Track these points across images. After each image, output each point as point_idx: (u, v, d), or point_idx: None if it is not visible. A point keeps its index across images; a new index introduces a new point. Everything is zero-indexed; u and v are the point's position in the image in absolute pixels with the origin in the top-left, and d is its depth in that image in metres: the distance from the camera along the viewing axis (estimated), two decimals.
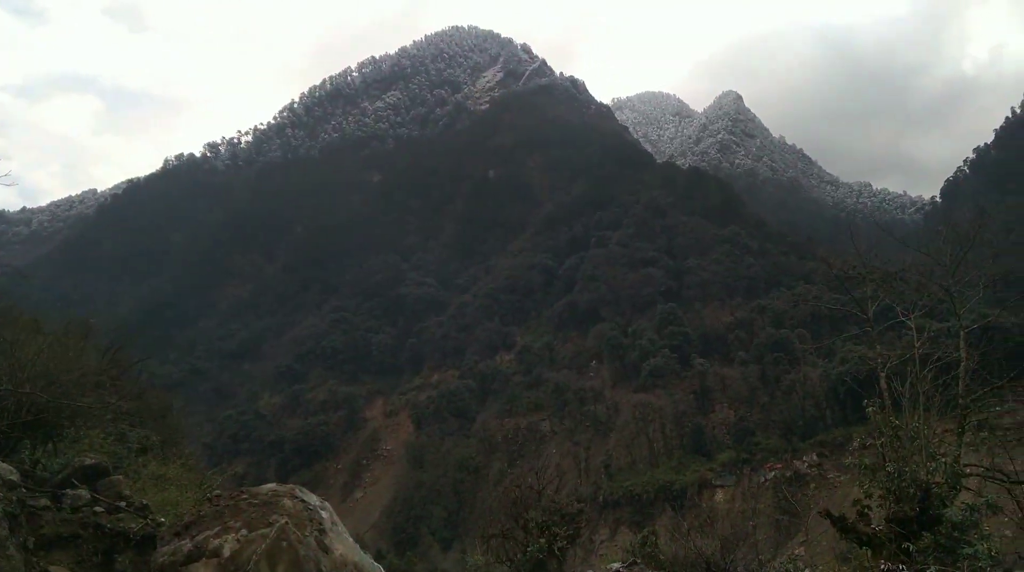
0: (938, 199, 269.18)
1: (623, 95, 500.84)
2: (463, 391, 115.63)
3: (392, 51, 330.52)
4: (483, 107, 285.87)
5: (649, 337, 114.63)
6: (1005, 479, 14.22)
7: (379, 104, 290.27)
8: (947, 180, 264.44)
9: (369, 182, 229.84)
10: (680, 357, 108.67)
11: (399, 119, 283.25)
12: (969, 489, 14.44)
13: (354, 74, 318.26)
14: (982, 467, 14.65)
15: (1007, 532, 15.37)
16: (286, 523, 5.91)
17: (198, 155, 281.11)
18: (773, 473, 74.49)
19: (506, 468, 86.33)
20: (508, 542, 20.74)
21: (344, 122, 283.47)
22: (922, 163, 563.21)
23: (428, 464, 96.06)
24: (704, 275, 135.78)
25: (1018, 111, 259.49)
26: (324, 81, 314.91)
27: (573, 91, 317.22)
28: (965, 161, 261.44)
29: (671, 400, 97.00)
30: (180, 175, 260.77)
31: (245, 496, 6.32)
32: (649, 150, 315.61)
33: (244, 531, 5.86)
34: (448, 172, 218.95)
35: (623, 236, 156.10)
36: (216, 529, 5.95)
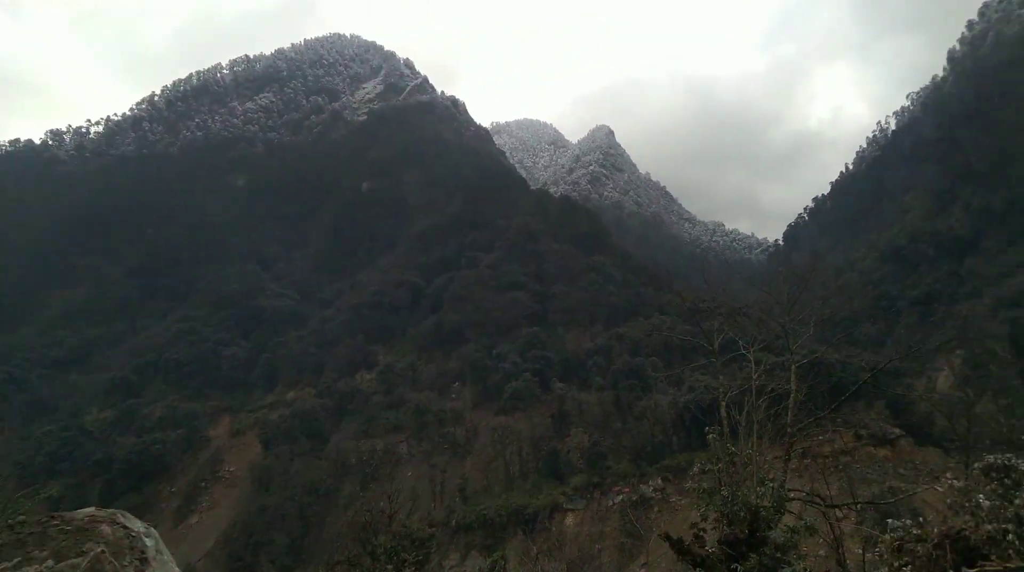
0: (780, 242, 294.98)
1: (502, 120, 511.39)
2: (318, 410, 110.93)
3: (268, 51, 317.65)
4: (361, 118, 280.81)
5: (513, 360, 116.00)
6: (822, 503, 15.43)
7: (250, 105, 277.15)
8: (789, 225, 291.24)
9: (233, 186, 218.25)
10: (541, 381, 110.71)
11: (271, 123, 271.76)
12: (791, 512, 15.51)
13: (224, 71, 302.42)
14: (803, 492, 15.79)
15: (821, 552, 16.64)
16: (102, 552, 5.14)
17: (37, 142, 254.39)
18: (620, 497, 77.08)
19: (358, 491, 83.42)
20: (354, 569, 19.90)
21: (210, 120, 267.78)
22: (769, 208, 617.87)
23: (274, 487, 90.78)
24: (569, 301, 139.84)
25: (851, 167, 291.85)
26: (191, 75, 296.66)
27: (453, 111, 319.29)
28: (805, 209, 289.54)
29: (530, 423, 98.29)
30: (14, 162, 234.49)
31: (56, 522, 5.47)
32: (524, 176, 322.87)
33: (50, 562, 5.04)
34: (319, 181, 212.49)
35: (494, 258, 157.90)
36: (15, 561, 5.09)
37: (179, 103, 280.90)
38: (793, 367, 18.17)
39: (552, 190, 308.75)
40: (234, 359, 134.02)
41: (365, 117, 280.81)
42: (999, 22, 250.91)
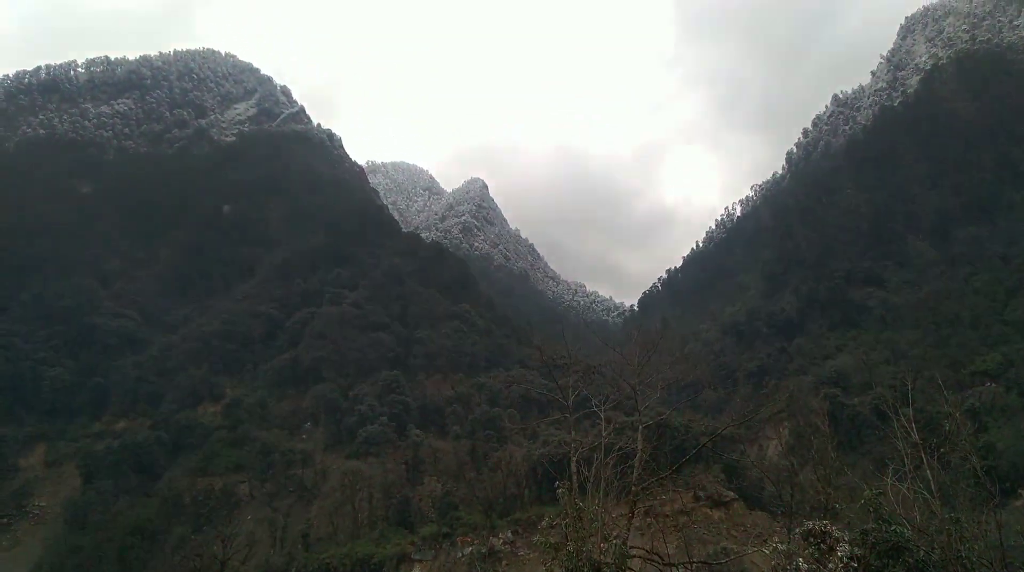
0: (635, 308, 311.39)
1: (379, 160, 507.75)
2: (152, 443, 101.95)
3: (132, 56, 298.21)
4: (229, 139, 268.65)
5: (370, 403, 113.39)
6: (660, 561, 16.38)
7: (105, 109, 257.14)
8: (644, 293, 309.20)
9: (76, 191, 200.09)
10: (398, 426, 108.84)
11: (127, 130, 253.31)
12: (631, 570, 16.33)
13: (80, 70, 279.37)
14: (644, 549, 16.71)
15: None
16: None
17: None
18: (469, 548, 76.51)
19: (189, 534, 76.80)
20: None
21: (57, 119, 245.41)
22: (627, 274, 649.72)
23: (92, 526, 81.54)
24: (432, 347, 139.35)
25: (700, 245, 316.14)
26: (39, 68, 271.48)
27: (329, 145, 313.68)
28: (659, 279, 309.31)
29: (383, 469, 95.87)
30: None
31: None
32: (396, 218, 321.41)
33: None
34: (175, 198, 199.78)
35: (358, 297, 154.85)
36: None
37: (21, 96, 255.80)
38: (640, 428, 19.35)
39: (424, 235, 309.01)
40: (57, 381, 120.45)
41: (233, 138, 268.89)
42: (828, 134, 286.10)
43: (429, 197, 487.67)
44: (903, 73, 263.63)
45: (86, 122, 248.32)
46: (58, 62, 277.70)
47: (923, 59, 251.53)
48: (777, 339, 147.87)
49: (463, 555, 76.18)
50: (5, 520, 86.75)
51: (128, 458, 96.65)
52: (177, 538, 78.70)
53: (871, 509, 15.33)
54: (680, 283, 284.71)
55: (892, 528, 14.46)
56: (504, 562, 73.66)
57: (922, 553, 14.11)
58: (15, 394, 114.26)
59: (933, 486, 15.84)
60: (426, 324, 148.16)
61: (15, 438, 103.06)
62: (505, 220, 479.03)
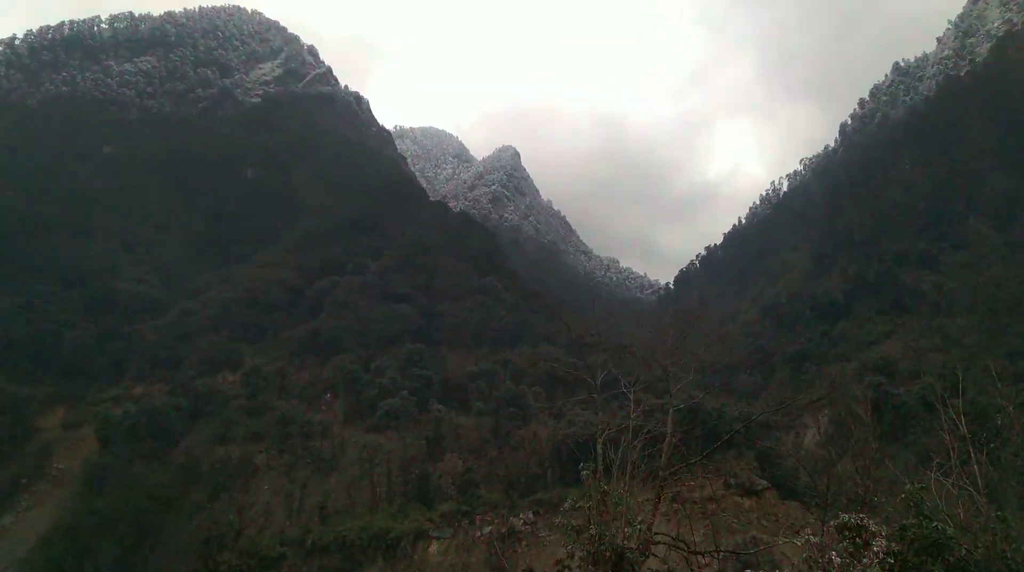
0: (671, 286, 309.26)
1: (406, 125, 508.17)
2: (170, 409, 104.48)
3: (156, 12, 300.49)
4: (254, 100, 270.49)
5: (391, 375, 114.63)
6: (685, 549, 16.38)
7: (128, 67, 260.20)
8: (681, 270, 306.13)
9: (98, 153, 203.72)
10: (419, 400, 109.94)
11: (150, 90, 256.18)
12: (656, 556, 16.37)
13: (103, 25, 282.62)
14: (670, 536, 16.72)
15: None
16: None
17: None
18: (489, 528, 77.48)
19: (206, 502, 78.98)
20: None
21: (79, 77, 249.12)
22: (664, 251, 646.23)
23: (109, 489, 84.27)
24: (456, 320, 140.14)
25: (743, 221, 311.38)
26: (63, 24, 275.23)
27: (356, 108, 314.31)
28: (697, 256, 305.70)
29: (403, 444, 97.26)
30: None
31: None
32: (424, 186, 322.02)
33: None
34: (200, 161, 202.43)
35: (382, 267, 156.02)
36: None
37: (45, 52, 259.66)
38: (671, 410, 19.25)
39: (452, 204, 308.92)
40: (77, 343, 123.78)
41: (259, 99, 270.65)
42: (886, 104, 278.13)
43: (458, 165, 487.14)
44: (972, 40, 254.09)
45: (109, 80, 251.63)
46: (82, 17, 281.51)
47: (995, 25, 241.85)
48: (820, 323, 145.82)
49: (482, 534, 77.26)
50: (24, 481, 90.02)
51: (146, 423, 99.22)
52: (194, 505, 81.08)
53: (912, 504, 15.10)
54: (719, 261, 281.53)
55: (933, 525, 14.24)
56: (524, 543, 74.52)
57: (964, 552, 13.89)
58: (36, 355, 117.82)
59: (980, 483, 15.54)
60: (451, 297, 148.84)
61: (35, 399, 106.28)
62: (537, 190, 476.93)
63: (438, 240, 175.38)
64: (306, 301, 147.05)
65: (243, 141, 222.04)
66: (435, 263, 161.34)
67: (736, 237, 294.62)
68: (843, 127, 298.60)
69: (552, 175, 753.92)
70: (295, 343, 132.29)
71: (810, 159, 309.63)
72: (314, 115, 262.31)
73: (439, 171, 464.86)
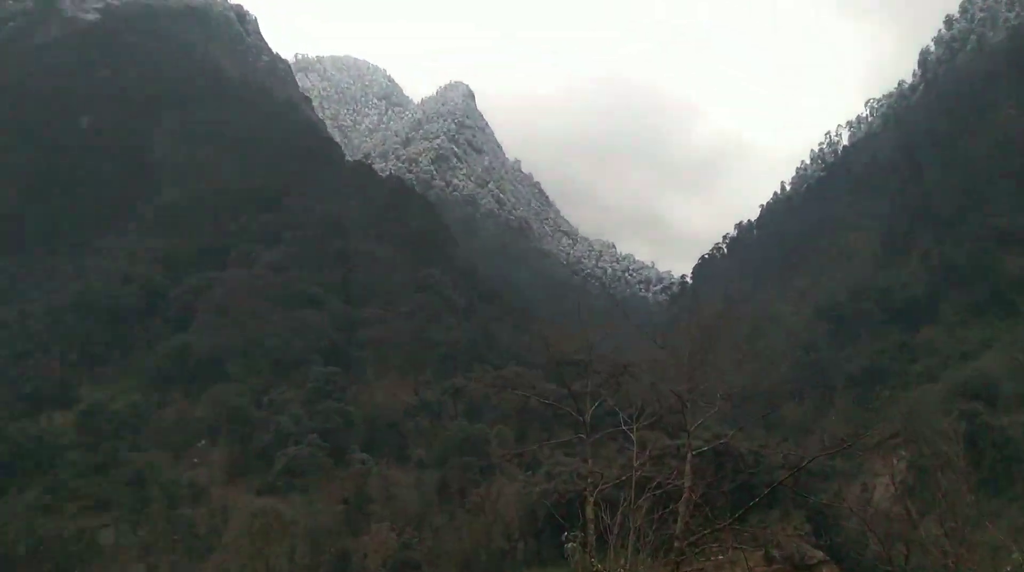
0: (688, 279, 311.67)
1: (312, 53, 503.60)
2: None
3: None
4: (90, 16, 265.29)
5: (293, 413, 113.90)
6: None
7: None
8: (701, 258, 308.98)
9: None
10: (334, 448, 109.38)
11: None
12: None
13: None
14: None
15: None
16: None
17: None
18: None
19: None
20: None
21: None
22: (677, 230, 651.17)
23: None
24: (385, 332, 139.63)
25: (787, 188, 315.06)
26: None
27: (239, 29, 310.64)
28: (724, 238, 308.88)
29: (311, 510, 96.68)
30: None
31: None
32: (338, 140, 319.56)
33: None
34: (11, 106, 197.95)
35: (279, 257, 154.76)
36: None
37: None
38: (690, 455, 19.39)
39: (378, 166, 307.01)
40: None
41: (96, 15, 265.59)
42: (982, 24, 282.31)
43: (387, 110, 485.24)
44: None
45: None
46: None
47: None
48: (894, 329, 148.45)
49: None
50: None
51: None
52: None
53: None
54: (754, 245, 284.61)
55: None
56: None
57: None
58: None
59: None
60: (379, 298, 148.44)
61: None
62: (500, 147, 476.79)
63: (359, 218, 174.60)
64: (171, 307, 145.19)
65: (74, 76, 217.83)
66: (355, 251, 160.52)
67: (776, 211, 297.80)
68: (924, 56, 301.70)
69: (520, 126, 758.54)
70: (155, 368, 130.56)
71: (879, 101, 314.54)
72: (178, 38, 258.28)
73: (360, 119, 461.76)
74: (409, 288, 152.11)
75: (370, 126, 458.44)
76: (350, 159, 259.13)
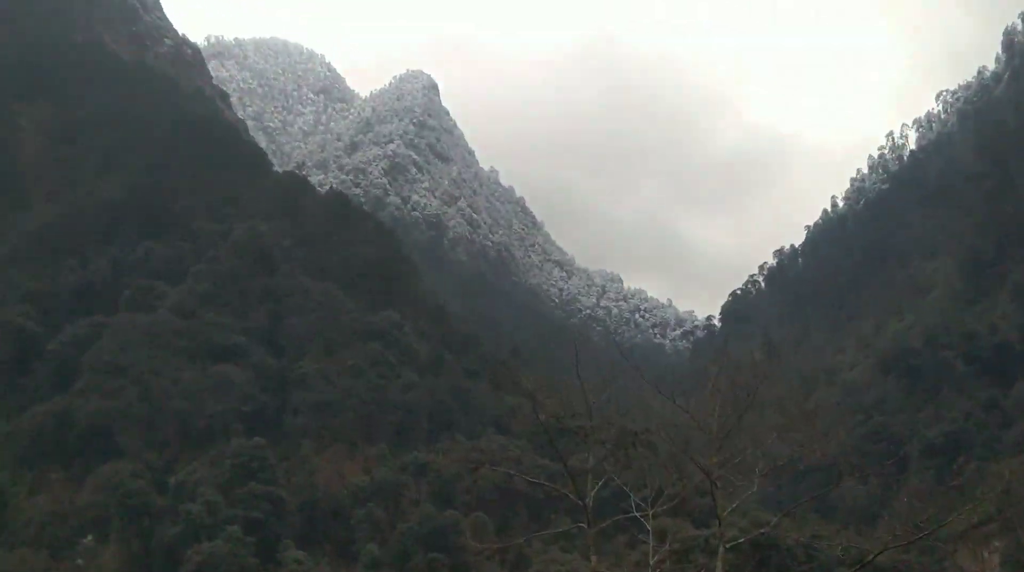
0: (716, 321, 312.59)
1: (229, 35, 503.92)
2: None
3: None
4: None
5: (208, 498, 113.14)
6: None
7: None
8: (732, 294, 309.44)
9: None
10: (261, 543, 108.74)
11: None
12: None
13: None
14: None
15: None
16: None
17: None
18: None
19: None
20: None
21: None
22: (700, 258, 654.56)
23: None
24: (327, 393, 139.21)
25: (840, 204, 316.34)
26: None
27: (134, 3, 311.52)
28: (761, 268, 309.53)
29: None
30: None
31: None
32: (263, 145, 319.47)
33: None
34: None
35: (188, 296, 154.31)
36: None
37: None
38: (722, 549, 19.52)
39: (316, 178, 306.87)
40: None
41: None
42: None
43: (326, 107, 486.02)
44: None
45: None
46: None
47: None
48: (982, 384, 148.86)
49: None
50: None
51: None
52: None
53: None
54: (799, 277, 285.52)
55: None
56: None
57: None
58: None
59: None
60: (318, 349, 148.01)
61: None
62: (472, 153, 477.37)
63: (291, 246, 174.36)
64: (46, 362, 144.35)
65: None
66: (286, 288, 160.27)
67: (826, 233, 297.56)
68: (1009, 36, 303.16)
69: (498, 127, 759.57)
70: (25, 438, 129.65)
71: (954, 93, 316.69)
72: (53, 13, 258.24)
73: (291, 118, 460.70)
74: (358, 335, 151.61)
75: (305, 127, 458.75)
76: (279, 170, 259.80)
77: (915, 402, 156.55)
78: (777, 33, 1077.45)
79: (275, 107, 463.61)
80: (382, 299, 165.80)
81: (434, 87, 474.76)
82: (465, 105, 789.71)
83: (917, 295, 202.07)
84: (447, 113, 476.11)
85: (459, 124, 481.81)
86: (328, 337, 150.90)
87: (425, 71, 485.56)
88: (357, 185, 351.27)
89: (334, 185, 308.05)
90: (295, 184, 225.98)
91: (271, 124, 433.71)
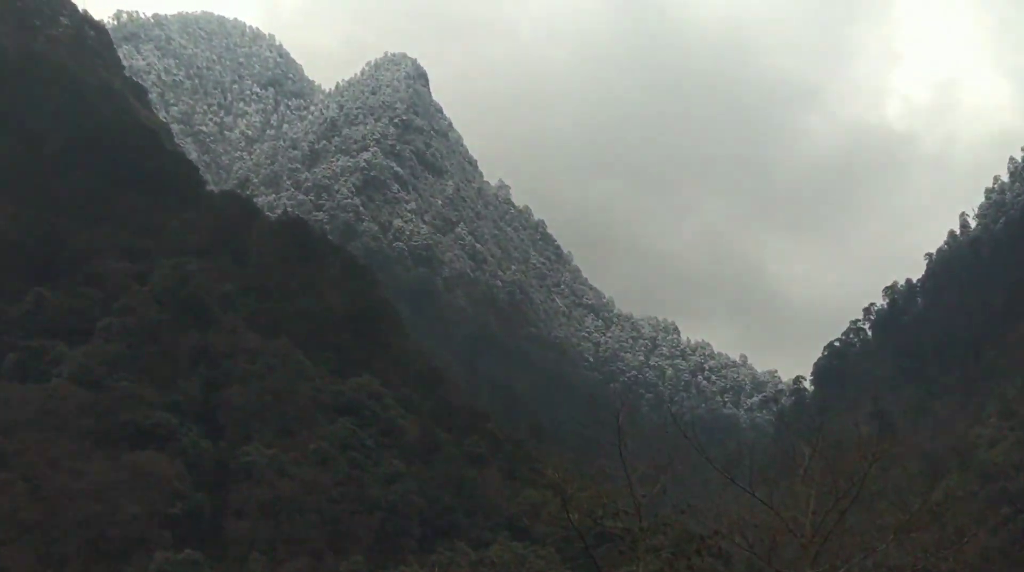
0: (807, 382, 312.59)
1: (145, 10, 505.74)
2: None
3: None
4: None
5: None
6: None
7: None
8: (829, 347, 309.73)
9: None
10: None
11: None
12: None
13: None
14: None
15: None
16: None
17: None
18: None
19: None
20: None
21: None
22: (783, 299, 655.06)
23: None
24: (281, 489, 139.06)
25: (972, 223, 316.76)
26: None
27: None
28: (867, 311, 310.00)
29: None
30: None
31: None
32: (193, 156, 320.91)
33: None
34: None
35: (95, 359, 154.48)
36: None
37: None
38: None
39: (264, 199, 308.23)
40: None
41: None
42: None
43: (278, 103, 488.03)
44: None
45: None
46: None
47: None
48: None
49: None
50: None
51: None
52: None
53: None
54: (918, 321, 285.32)
55: None
56: None
57: None
58: None
59: None
60: (268, 428, 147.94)
61: None
62: (473, 163, 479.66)
63: (232, 291, 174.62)
64: None
65: None
66: (227, 347, 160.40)
67: (955, 261, 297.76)
68: None
69: (508, 129, 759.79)
70: None
71: None
72: None
73: (231, 119, 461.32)
74: (323, 410, 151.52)
75: (249, 132, 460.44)
76: (214, 189, 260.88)
77: None
78: (882, 4, 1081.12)
79: (209, 105, 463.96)
80: (355, 361, 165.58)
81: (422, 76, 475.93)
82: (464, 100, 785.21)
83: None
84: (440, 110, 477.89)
85: (456, 125, 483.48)
86: (283, 412, 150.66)
87: (409, 55, 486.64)
88: (320, 208, 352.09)
89: (289, 208, 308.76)
90: (236, 208, 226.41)
91: (204, 128, 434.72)
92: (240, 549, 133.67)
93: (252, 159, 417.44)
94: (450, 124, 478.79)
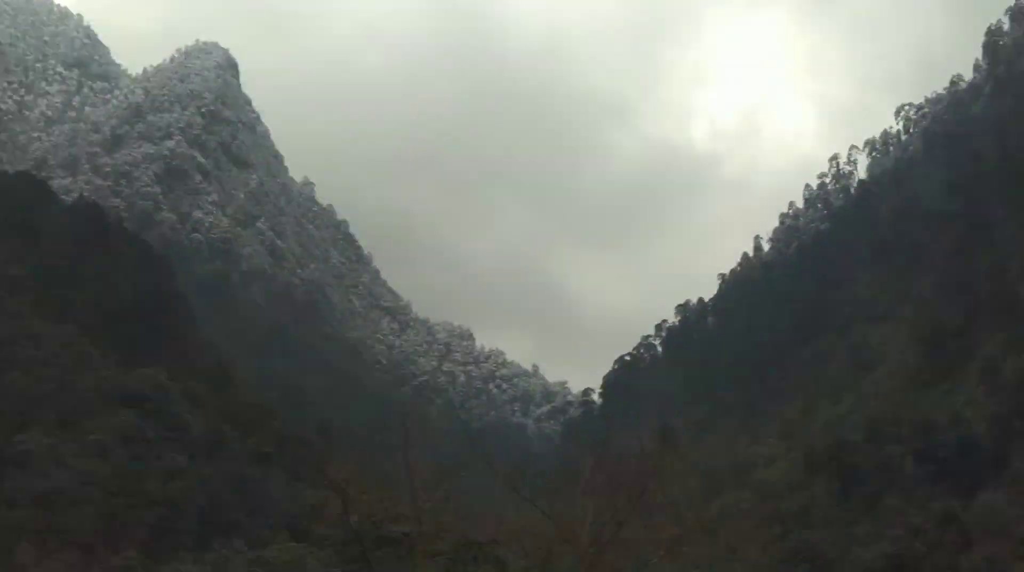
0: (596, 395, 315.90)
1: None
2: None
3: None
4: None
5: None
6: None
7: None
8: (619, 360, 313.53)
9: None
10: None
11: None
12: None
13: None
14: None
15: None
16: None
17: None
18: None
19: None
20: None
21: None
22: (578, 311, 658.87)
23: None
24: (57, 480, 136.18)
25: (764, 247, 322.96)
26: None
27: None
28: (659, 327, 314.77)
29: None
30: None
31: None
32: None
33: None
34: None
35: None
36: None
37: None
38: None
39: (60, 182, 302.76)
40: None
41: None
42: None
43: (79, 86, 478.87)
44: None
45: None
46: None
47: None
48: (939, 491, 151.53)
49: None
50: None
51: None
52: None
53: None
54: (708, 339, 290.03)
55: None
56: None
57: None
58: None
59: None
60: (47, 417, 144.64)
61: None
62: (279, 158, 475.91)
63: (21, 274, 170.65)
64: None
65: None
66: (9, 333, 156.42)
67: (747, 284, 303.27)
68: (991, 37, 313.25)
69: (317, 125, 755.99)
70: None
71: (919, 107, 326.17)
72: None
73: (32, 99, 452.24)
74: (106, 401, 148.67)
75: (49, 113, 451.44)
76: (9, 169, 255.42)
77: (850, 512, 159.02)
78: (694, 27, 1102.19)
79: (9, 83, 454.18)
80: (144, 352, 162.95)
81: (233, 67, 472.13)
82: (275, 94, 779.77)
83: (859, 372, 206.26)
84: (248, 103, 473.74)
85: (264, 119, 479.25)
86: (64, 401, 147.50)
87: (221, 44, 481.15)
88: (118, 194, 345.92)
89: (86, 192, 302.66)
90: (30, 189, 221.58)
91: (2, 106, 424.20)
92: (7, 539, 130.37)
93: (50, 140, 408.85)
94: (258, 117, 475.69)
